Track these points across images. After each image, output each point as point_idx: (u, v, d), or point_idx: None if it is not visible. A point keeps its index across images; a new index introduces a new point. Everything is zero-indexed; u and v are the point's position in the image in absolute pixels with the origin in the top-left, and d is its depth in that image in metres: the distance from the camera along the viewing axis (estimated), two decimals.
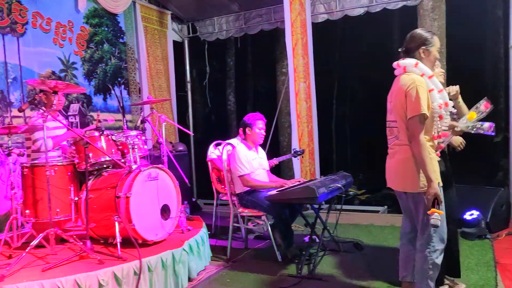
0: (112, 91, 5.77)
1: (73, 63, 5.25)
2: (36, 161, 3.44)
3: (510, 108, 5.08)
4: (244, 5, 6.65)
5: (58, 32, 5.01)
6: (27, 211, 3.24)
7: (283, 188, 3.61)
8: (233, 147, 4.01)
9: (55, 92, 3.16)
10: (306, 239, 4.11)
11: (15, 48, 4.51)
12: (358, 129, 9.30)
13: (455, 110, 2.84)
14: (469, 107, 2.80)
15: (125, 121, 4.91)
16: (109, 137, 3.43)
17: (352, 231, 4.66)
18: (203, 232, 3.71)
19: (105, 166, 3.53)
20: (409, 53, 2.53)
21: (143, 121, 3.93)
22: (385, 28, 7.81)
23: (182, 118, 7.34)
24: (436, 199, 2.31)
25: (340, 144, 9.80)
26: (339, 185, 3.51)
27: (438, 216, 2.26)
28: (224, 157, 4.01)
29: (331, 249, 4.01)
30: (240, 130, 4.11)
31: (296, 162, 5.39)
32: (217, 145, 4.59)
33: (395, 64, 2.56)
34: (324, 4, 6.09)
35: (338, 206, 3.96)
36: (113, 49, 5.84)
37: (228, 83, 9.13)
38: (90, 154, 3.24)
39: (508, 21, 5.08)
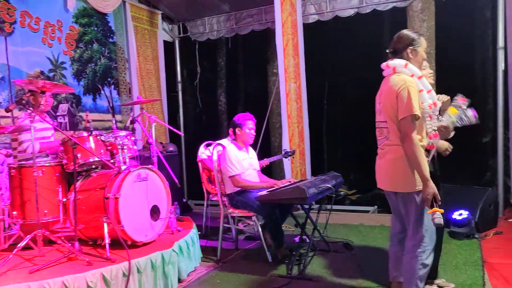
0: (102, 91, 5.73)
1: (62, 62, 5.20)
2: (23, 162, 3.39)
3: (498, 108, 5.13)
4: (235, 6, 6.64)
5: (47, 31, 4.96)
6: (14, 213, 3.20)
7: (274, 188, 3.61)
8: (224, 147, 4.01)
9: (43, 92, 3.12)
10: (297, 239, 4.11)
11: (3, 47, 4.46)
12: (349, 129, 9.35)
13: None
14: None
15: (114, 122, 4.88)
16: (98, 137, 3.40)
17: (342, 231, 4.68)
18: (193, 233, 3.69)
19: (94, 166, 3.51)
20: (396, 54, 2.54)
21: (132, 122, 3.91)
22: (376, 29, 7.86)
23: (173, 118, 7.31)
24: (434, 198, 2.30)
25: (331, 144, 9.85)
26: (329, 186, 3.52)
27: (439, 214, 2.26)
28: (215, 157, 4.00)
29: (321, 249, 4.02)
30: (230, 130, 4.11)
31: (286, 162, 5.40)
32: (208, 145, 4.59)
33: (383, 65, 2.56)
34: (314, 5, 6.12)
35: (328, 206, 3.97)
36: (103, 49, 5.80)
37: (219, 83, 9.13)
38: (79, 155, 3.21)
39: (496, 22, 5.14)
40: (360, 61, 8.04)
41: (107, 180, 3.19)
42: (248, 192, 3.86)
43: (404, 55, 2.51)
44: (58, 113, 5.05)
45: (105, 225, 3.06)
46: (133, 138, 3.70)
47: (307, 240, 3.80)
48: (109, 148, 3.50)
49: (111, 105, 5.76)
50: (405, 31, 2.57)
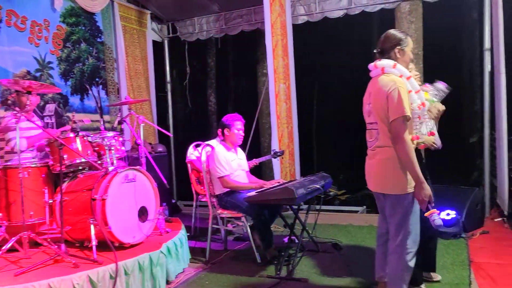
0: (90, 91, 5.68)
1: (49, 62, 5.14)
2: (9, 163, 3.35)
3: (485, 109, 5.20)
4: (225, 6, 6.63)
5: (33, 31, 4.89)
6: None
7: (262, 189, 3.61)
8: (212, 148, 3.99)
9: (29, 92, 3.08)
10: (286, 240, 4.11)
11: None
12: (339, 130, 9.39)
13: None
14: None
15: (102, 122, 4.83)
16: (85, 138, 3.37)
17: (331, 232, 4.69)
18: (182, 234, 3.68)
19: (80, 168, 3.47)
20: (384, 54, 2.52)
21: (120, 122, 3.89)
22: (364, 30, 7.91)
23: (162, 118, 7.27)
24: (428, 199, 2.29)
25: (321, 145, 9.89)
26: (318, 186, 3.53)
27: (437, 216, 2.27)
28: (203, 158, 3.99)
29: (310, 249, 4.03)
30: (219, 131, 4.10)
31: (276, 163, 5.40)
32: (197, 146, 4.57)
33: (371, 65, 2.54)
34: (304, 6, 6.13)
35: (317, 207, 3.98)
36: (91, 48, 5.75)
37: (209, 83, 9.10)
38: (65, 156, 3.18)
39: (483, 24, 5.20)
40: (350, 62, 8.08)
41: (94, 181, 3.17)
42: (237, 193, 3.85)
43: (392, 55, 2.49)
44: (45, 113, 4.97)
45: (92, 226, 3.03)
46: (121, 139, 3.67)
47: (296, 241, 3.81)
48: (96, 149, 3.47)
49: (99, 105, 5.71)
50: (392, 31, 2.56)
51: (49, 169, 3.32)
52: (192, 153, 4.64)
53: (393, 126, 2.35)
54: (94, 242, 2.97)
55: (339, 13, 5.95)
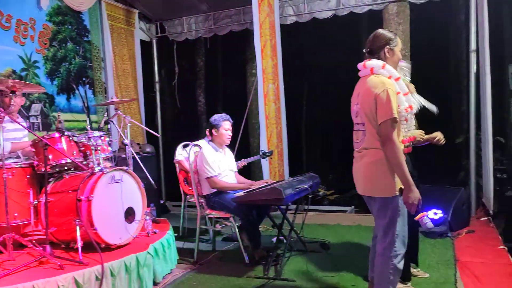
0: (76, 91, 5.61)
1: (35, 61, 5.07)
2: None
3: (471, 110, 5.25)
4: (213, 6, 6.62)
5: (19, 29, 4.82)
6: None
7: (250, 189, 3.61)
8: (200, 148, 3.98)
9: (13, 92, 3.04)
10: (274, 240, 4.12)
11: None
12: (328, 130, 9.42)
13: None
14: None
15: (89, 122, 4.78)
16: (70, 138, 3.32)
17: (319, 231, 4.71)
18: (170, 234, 3.65)
19: (66, 168, 3.42)
20: (373, 54, 2.48)
21: (107, 122, 3.84)
22: (353, 31, 7.94)
23: (151, 118, 7.23)
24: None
25: (311, 145, 9.91)
26: (306, 186, 3.54)
27: (428, 218, 2.25)
28: (191, 158, 3.98)
29: (298, 249, 4.03)
30: (207, 131, 4.09)
31: (265, 163, 5.40)
32: (185, 146, 4.54)
33: (360, 65, 2.50)
34: (292, 6, 6.15)
35: (305, 207, 3.99)
36: (77, 47, 5.68)
37: (198, 83, 9.06)
38: (50, 156, 3.13)
39: (469, 26, 5.26)
40: (339, 62, 8.10)
41: (80, 182, 3.13)
42: (225, 193, 3.84)
43: (381, 55, 2.46)
44: (30, 113, 4.92)
45: (77, 227, 2.99)
46: (107, 139, 3.64)
47: (284, 241, 3.81)
48: (82, 149, 3.43)
49: (86, 105, 5.66)
50: (381, 31, 2.52)
51: (34, 169, 3.27)
52: (180, 153, 4.61)
53: (382, 128, 2.31)
54: (79, 244, 2.93)
55: (327, 14, 5.98)
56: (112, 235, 3.18)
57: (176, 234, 3.86)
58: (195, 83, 9.06)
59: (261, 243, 3.85)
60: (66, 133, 3.27)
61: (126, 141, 3.96)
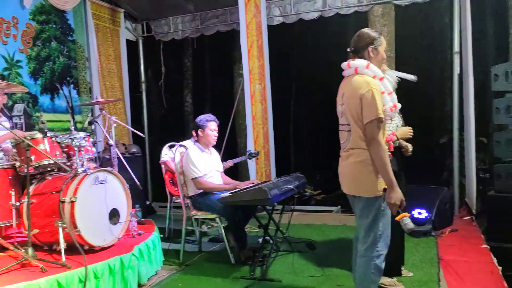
0: (61, 91, 5.54)
1: (18, 61, 4.99)
2: None
3: (454, 111, 5.33)
4: (200, 6, 6.60)
5: (1, 28, 4.75)
6: None
7: (236, 190, 3.61)
8: (186, 148, 3.96)
9: None
10: (261, 240, 4.12)
11: None
12: (315, 130, 9.46)
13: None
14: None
15: (73, 122, 4.71)
16: (53, 139, 3.27)
17: (305, 231, 4.73)
18: (155, 236, 3.63)
19: (49, 169, 3.37)
20: (357, 53, 2.47)
21: (91, 123, 3.80)
22: (339, 32, 7.98)
23: (137, 119, 7.16)
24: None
25: (298, 145, 9.93)
26: (292, 187, 3.54)
27: (408, 219, 2.22)
28: (177, 159, 3.96)
29: (284, 249, 4.04)
30: (193, 132, 4.07)
31: (251, 164, 5.41)
32: (171, 146, 4.52)
33: (344, 64, 2.49)
34: (279, 7, 6.17)
35: (292, 207, 4.00)
36: (62, 47, 5.61)
37: (185, 84, 9.01)
38: (33, 157, 3.09)
39: (453, 28, 5.35)
40: (325, 63, 8.12)
41: (63, 183, 3.09)
42: (210, 194, 3.83)
43: (365, 54, 2.45)
44: (13, 114, 4.83)
45: (60, 229, 2.95)
46: (91, 139, 3.60)
47: (271, 241, 3.81)
48: (65, 150, 3.39)
49: (70, 105, 5.58)
50: (365, 30, 2.52)
51: (16, 170, 3.21)
52: (166, 153, 4.59)
53: (367, 128, 2.31)
54: (62, 246, 2.90)
55: (314, 15, 6.01)
56: (96, 236, 3.14)
57: (162, 235, 3.84)
58: (182, 83, 9.01)
59: (247, 244, 3.85)
60: (48, 134, 3.22)
61: (111, 142, 3.91)
